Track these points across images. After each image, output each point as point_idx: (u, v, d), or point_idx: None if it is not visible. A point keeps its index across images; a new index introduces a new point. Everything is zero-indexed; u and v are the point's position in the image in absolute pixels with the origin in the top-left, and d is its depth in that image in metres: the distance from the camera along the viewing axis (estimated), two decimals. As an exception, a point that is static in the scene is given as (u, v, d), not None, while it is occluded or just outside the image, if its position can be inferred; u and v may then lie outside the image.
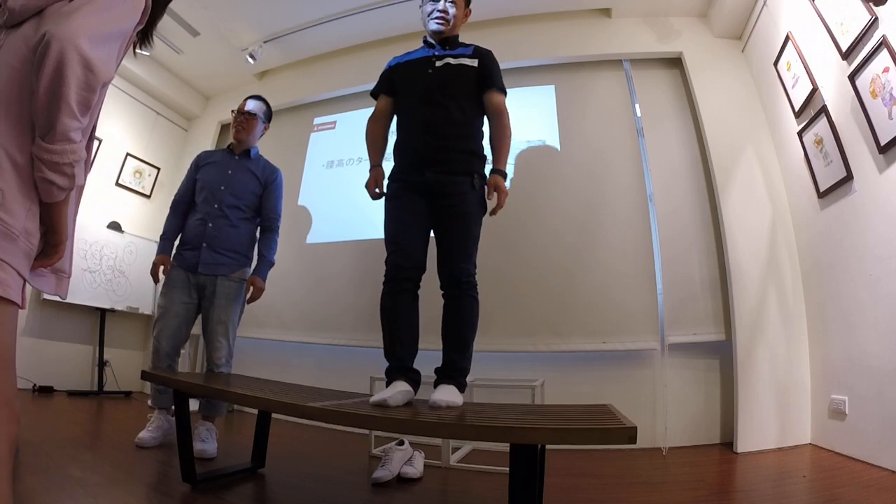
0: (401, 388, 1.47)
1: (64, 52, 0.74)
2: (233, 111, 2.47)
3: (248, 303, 2.38)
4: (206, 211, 2.32)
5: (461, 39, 1.90)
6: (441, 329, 1.66)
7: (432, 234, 1.74)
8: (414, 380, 1.58)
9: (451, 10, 1.81)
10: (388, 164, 1.82)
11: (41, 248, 0.84)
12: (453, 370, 1.59)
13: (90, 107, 0.81)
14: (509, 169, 3.05)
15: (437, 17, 1.80)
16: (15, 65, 0.79)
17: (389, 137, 1.91)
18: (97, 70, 0.78)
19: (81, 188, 0.89)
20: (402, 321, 1.66)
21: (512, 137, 1.78)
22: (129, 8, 0.88)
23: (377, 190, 1.79)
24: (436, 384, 1.56)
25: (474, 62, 1.78)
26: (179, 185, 2.46)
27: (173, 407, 2.15)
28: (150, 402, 2.28)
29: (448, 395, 1.44)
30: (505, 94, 1.81)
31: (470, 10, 1.92)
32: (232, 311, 2.33)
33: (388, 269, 1.70)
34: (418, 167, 1.70)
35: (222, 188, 2.34)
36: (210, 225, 2.30)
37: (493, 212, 1.72)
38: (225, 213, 2.32)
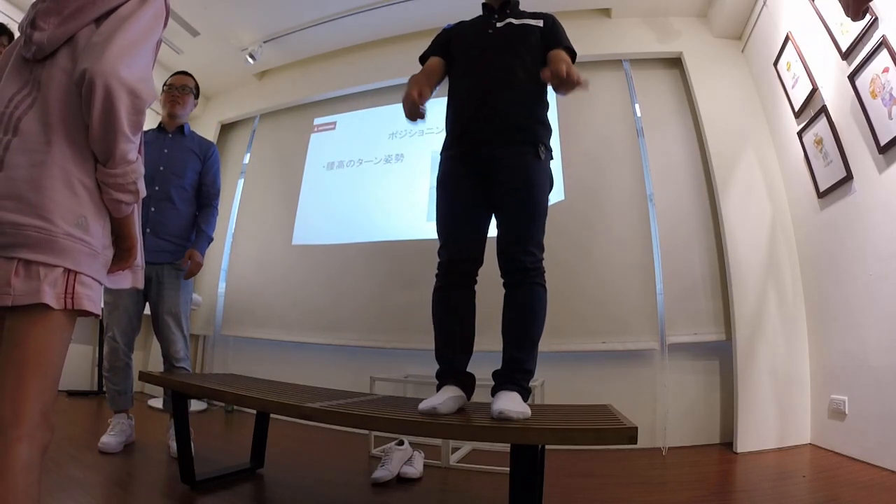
0: (452, 394, 1.31)
1: (109, 87, 0.79)
2: (169, 83, 2.35)
3: (185, 278, 2.25)
4: (147, 194, 2.21)
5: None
6: (501, 324, 1.45)
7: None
8: (466, 384, 1.41)
9: None
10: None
11: (115, 254, 0.93)
12: (517, 372, 1.37)
13: (141, 126, 0.87)
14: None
15: None
16: (63, 97, 0.84)
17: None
18: (143, 93, 0.84)
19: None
20: (456, 319, 1.48)
21: None
22: (153, 18, 0.92)
23: (420, 107, 1.45)
24: (495, 390, 1.33)
25: (539, 23, 1.61)
26: None
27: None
28: (109, 405, 2.19)
29: (514, 403, 1.23)
30: (574, 55, 1.57)
31: None
32: (181, 300, 2.23)
33: (441, 262, 1.51)
34: (472, 142, 1.51)
35: (161, 169, 2.24)
36: (153, 209, 2.19)
37: (561, 87, 1.38)
38: (169, 195, 2.22)
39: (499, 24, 1.61)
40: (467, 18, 1.75)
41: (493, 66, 1.54)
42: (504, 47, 1.56)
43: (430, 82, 1.60)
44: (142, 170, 0.89)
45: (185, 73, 2.42)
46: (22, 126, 0.83)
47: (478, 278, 1.53)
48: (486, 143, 1.48)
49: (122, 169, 0.85)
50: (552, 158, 1.55)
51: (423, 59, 1.72)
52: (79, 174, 0.83)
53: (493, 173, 1.48)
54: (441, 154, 1.61)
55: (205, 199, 2.37)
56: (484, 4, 1.72)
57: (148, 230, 2.16)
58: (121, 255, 0.94)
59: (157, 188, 2.22)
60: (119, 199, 0.86)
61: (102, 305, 2.20)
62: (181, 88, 2.34)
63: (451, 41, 1.67)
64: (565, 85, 1.37)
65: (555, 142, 3.09)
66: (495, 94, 1.50)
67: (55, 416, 0.81)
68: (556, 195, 3.01)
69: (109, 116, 0.80)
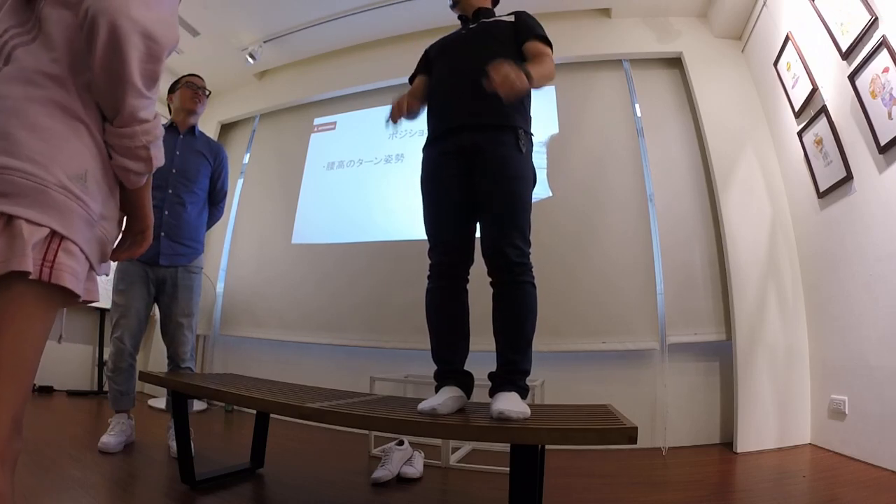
0: (451, 395, 1.33)
1: (116, 26, 0.61)
2: (189, 81, 2.32)
3: None
4: (159, 198, 2.17)
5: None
6: (493, 325, 1.43)
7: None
8: (465, 384, 1.42)
9: None
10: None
11: (122, 237, 0.76)
12: (514, 373, 1.37)
13: (157, 79, 0.69)
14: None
15: None
16: (72, 37, 0.67)
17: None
18: (160, 37, 0.65)
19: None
20: (450, 320, 1.50)
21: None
22: None
23: (405, 114, 1.58)
24: (493, 391, 1.34)
25: (510, 18, 1.66)
26: None
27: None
28: (110, 405, 2.19)
29: (513, 403, 1.24)
30: (549, 45, 1.57)
31: None
32: (194, 303, 2.26)
33: (432, 264, 1.53)
34: (451, 129, 1.52)
35: (174, 172, 2.23)
36: (166, 212, 2.19)
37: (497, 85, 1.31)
38: (181, 199, 2.23)
39: (472, 26, 1.68)
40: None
41: (467, 58, 1.57)
42: (477, 42, 1.61)
43: (417, 96, 1.67)
44: (160, 133, 0.72)
45: (198, 76, 2.44)
46: (18, 54, 0.65)
47: (470, 277, 1.54)
48: (466, 129, 1.49)
49: (131, 129, 0.68)
50: (532, 148, 1.55)
51: (411, 80, 1.78)
52: (87, 119, 0.67)
53: (475, 166, 1.48)
54: (423, 151, 1.63)
55: (214, 199, 2.42)
56: (460, 16, 1.78)
57: (162, 234, 2.17)
58: (136, 239, 0.78)
59: (170, 191, 2.22)
60: (127, 166, 0.70)
61: (110, 306, 2.21)
62: (203, 89, 2.35)
63: (431, 54, 1.74)
64: (507, 90, 1.31)
65: (554, 142, 3.12)
66: (471, 83, 1.48)
67: (24, 419, 0.65)
68: (556, 194, 3.02)
69: (116, 63, 0.63)
